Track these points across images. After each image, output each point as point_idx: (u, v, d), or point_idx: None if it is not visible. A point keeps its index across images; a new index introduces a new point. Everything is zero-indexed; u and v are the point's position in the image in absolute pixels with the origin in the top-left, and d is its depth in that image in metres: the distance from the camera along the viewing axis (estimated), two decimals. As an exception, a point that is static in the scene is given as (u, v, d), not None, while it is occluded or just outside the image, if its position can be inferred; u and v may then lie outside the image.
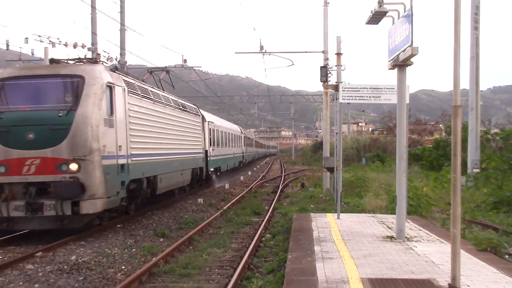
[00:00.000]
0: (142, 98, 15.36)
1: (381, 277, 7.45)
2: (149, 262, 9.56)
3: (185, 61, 29.24)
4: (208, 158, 25.82)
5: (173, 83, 22.65)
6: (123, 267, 9.72)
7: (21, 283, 8.38)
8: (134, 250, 11.21)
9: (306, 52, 26.16)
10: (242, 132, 47.21)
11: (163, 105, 17.91)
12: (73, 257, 9.95)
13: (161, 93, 18.68)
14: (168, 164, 17.95)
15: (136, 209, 15.79)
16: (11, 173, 11.61)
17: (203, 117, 25.73)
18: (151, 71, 21.23)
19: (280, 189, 25.75)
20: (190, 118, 22.22)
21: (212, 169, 27.31)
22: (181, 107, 20.96)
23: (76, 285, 8.46)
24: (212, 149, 27.48)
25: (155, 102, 16.72)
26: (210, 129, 27.27)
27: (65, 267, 9.27)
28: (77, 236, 12.02)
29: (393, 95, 11.84)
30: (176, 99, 21.07)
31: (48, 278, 8.66)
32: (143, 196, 15.84)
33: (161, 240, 12.56)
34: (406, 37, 9.14)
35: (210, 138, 27.15)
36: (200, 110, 26.54)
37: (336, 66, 20.89)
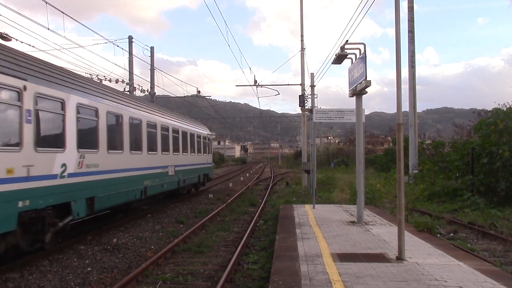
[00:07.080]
0: None
1: (346, 252, 7.38)
2: (172, 243, 9.42)
3: (199, 92, 29.17)
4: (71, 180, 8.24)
5: (189, 109, 20.46)
6: (152, 246, 9.59)
7: (75, 259, 8.23)
8: (160, 233, 11.07)
9: (288, 84, 26.59)
10: (211, 135, 24.69)
11: None
12: (115, 240, 9.83)
13: None
14: None
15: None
16: None
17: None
18: None
19: (270, 186, 25.60)
20: None
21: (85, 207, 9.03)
22: None
23: (117, 260, 8.33)
24: (85, 160, 8.90)
25: None
26: (78, 117, 8.67)
27: (108, 247, 9.15)
28: (117, 223, 11.87)
29: (353, 116, 11.84)
30: None
31: (96, 256, 8.53)
32: None
33: (181, 225, 12.43)
34: (361, 73, 9.16)
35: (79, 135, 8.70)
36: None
37: (310, 95, 20.92)
